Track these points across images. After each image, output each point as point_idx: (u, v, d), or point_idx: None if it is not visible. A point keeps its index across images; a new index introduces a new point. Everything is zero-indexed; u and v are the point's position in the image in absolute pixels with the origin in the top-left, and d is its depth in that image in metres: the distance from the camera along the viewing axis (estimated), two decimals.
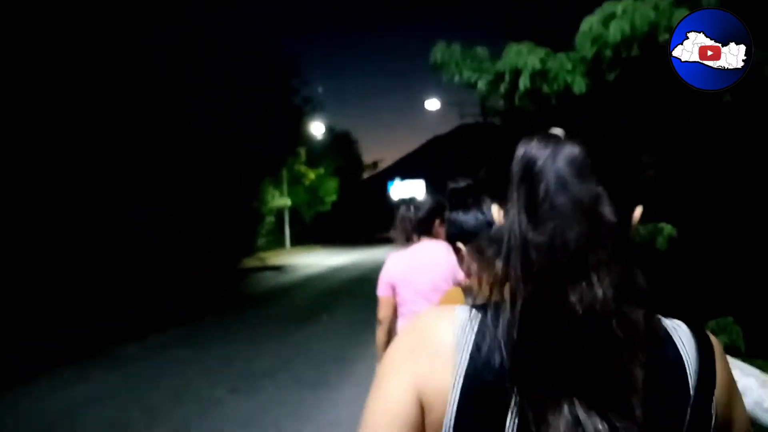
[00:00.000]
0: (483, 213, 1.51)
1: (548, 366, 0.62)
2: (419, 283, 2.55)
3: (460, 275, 1.65)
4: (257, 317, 9.44)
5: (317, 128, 32.76)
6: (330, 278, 15.59)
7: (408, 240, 2.77)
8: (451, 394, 0.66)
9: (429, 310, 0.77)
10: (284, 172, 28.57)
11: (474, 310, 0.72)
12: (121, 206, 14.25)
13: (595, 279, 0.63)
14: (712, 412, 0.68)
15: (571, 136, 0.70)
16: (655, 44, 3.71)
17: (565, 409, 0.61)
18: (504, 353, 0.65)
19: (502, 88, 4.27)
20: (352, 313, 9.30)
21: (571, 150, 0.68)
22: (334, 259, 22.51)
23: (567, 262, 0.63)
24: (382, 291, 2.71)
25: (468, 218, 1.53)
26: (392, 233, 2.88)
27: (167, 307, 10.28)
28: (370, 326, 7.94)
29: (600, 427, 0.60)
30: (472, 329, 0.69)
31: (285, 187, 29.62)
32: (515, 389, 0.63)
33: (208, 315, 9.63)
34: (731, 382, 0.74)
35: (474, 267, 1.47)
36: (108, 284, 11.92)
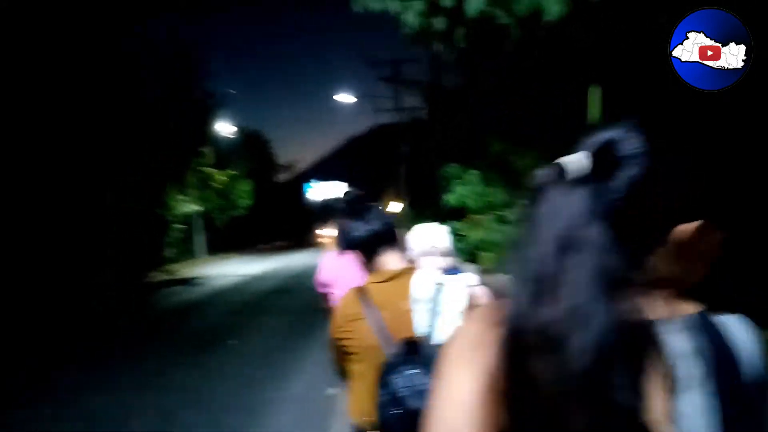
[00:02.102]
0: (367, 222, 1.75)
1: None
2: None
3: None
4: (147, 346, 7.88)
5: (225, 128, 30.71)
6: (244, 290, 14.07)
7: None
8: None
9: (488, 303, 0.88)
10: (190, 176, 26.38)
11: None
12: None
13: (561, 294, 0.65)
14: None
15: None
16: None
17: None
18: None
19: (438, 23, 3.21)
20: (265, 336, 7.98)
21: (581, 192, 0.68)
22: (251, 268, 20.89)
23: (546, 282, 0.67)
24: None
25: (355, 227, 1.76)
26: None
27: (54, 333, 8.46)
28: (287, 353, 6.64)
29: None
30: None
31: (193, 191, 27.41)
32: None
33: (96, 343, 7.94)
34: None
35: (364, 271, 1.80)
36: None
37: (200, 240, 28.53)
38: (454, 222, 4.91)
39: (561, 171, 0.69)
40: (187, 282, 17.19)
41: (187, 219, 27.52)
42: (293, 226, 43.36)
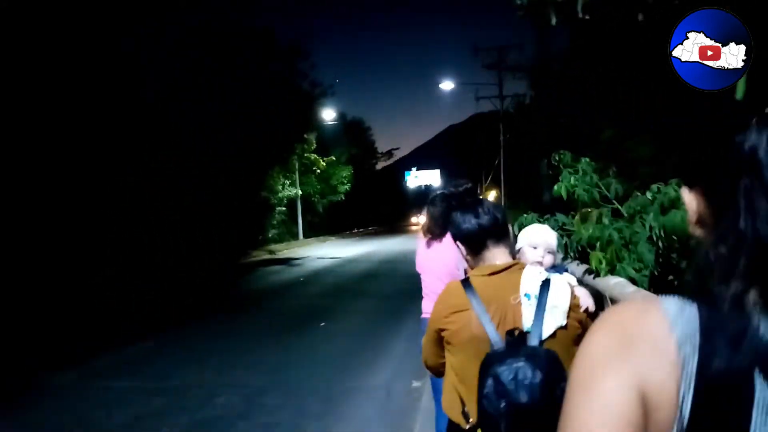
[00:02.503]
0: (478, 216, 1.74)
1: None
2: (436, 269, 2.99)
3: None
4: (240, 324, 8.16)
5: (328, 114, 31.48)
6: (339, 272, 14.33)
7: (430, 233, 3.02)
8: (682, 391, 0.60)
9: (627, 303, 0.73)
10: (294, 161, 27.36)
11: (684, 304, 0.65)
12: (119, 202, 13.16)
13: None
14: None
15: None
16: None
17: None
18: (745, 351, 0.58)
19: None
20: (354, 320, 7.96)
21: None
22: (346, 251, 21.29)
23: None
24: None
25: (465, 219, 1.76)
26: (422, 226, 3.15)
27: (151, 311, 9.07)
28: (376, 338, 6.50)
29: None
30: (691, 323, 0.62)
31: (296, 176, 28.45)
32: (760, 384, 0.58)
33: (190, 320, 8.37)
34: None
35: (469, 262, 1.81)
36: (90, 286, 10.77)
37: (300, 222, 29.60)
38: (561, 216, 4.45)
39: None
40: (286, 262, 17.86)
41: (291, 202, 28.73)
42: (389, 211, 43.72)
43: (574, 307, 1.61)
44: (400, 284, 11.04)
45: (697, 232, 0.71)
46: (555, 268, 2.04)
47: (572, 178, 4.02)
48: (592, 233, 3.27)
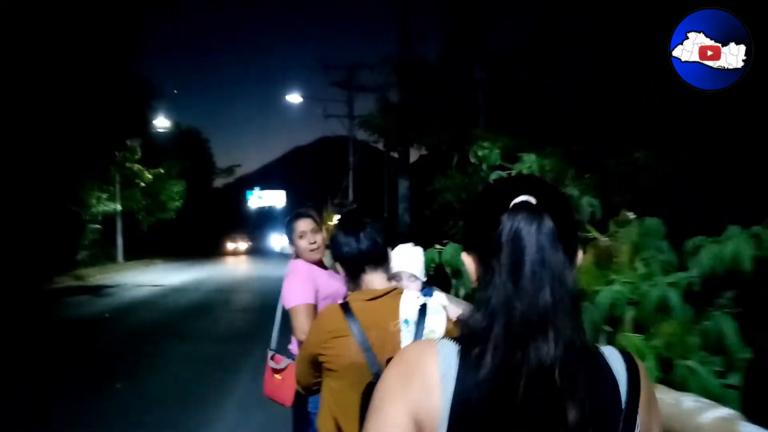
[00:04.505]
0: (359, 240, 1.76)
1: (509, 405, 0.79)
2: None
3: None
4: (19, 369, 5.87)
5: (160, 121, 28.18)
6: (160, 305, 12.01)
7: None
8: (440, 417, 0.81)
9: (414, 345, 0.97)
10: (114, 171, 23.73)
11: (454, 347, 0.85)
12: None
13: (551, 336, 0.79)
14: (638, 421, 0.85)
15: (540, 201, 0.84)
16: None
17: None
18: (482, 389, 0.80)
19: None
20: (168, 374, 6.13)
21: (548, 223, 0.81)
22: (172, 277, 18.64)
23: (536, 323, 0.79)
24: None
25: (347, 242, 1.77)
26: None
27: None
28: (200, 404, 4.77)
29: None
30: (455, 364, 0.83)
31: (117, 189, 24.69)
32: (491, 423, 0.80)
33: None
34: (653, 400, 0.91)
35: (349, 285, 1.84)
36: None
37: (120, 243, 25.74)
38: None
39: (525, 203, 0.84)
40: (95, 291, 14.86)
41: (109, 219, 24.78)
42: (228, 232, 40.78)
43: (450, 331, 1.61)
44: (238, 321, 9.38)
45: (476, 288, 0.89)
46: (427, 290, 2.15)
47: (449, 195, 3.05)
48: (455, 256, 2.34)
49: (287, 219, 2.70)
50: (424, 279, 2.24)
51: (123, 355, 6.96)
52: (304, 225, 2.57)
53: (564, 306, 0.79)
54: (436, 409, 0.80)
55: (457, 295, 3.42)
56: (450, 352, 0.84)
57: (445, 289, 3.16)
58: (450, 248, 2.89)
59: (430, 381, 0.82)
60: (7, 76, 13.96)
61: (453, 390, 0.80)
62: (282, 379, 2.49)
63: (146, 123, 24.51)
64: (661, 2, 5.10)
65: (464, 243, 0.93)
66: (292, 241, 2.64)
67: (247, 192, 56.66)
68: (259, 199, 56.16)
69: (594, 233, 2.71)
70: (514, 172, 2.86)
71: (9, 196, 15.34)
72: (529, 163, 2.88)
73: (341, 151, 26.02)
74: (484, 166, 2.75)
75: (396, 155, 16.25)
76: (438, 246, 3.15)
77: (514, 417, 0.78)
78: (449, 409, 0.79)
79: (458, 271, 2.66)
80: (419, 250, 2.27)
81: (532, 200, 0.83)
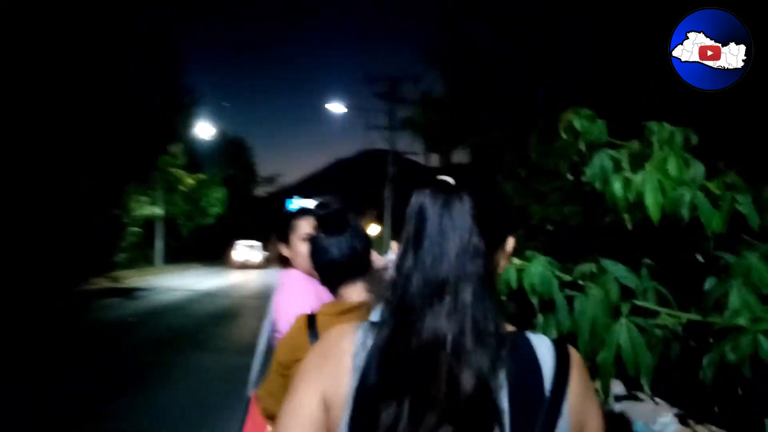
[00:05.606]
0: (339, 248, 1.52)
1: (402, 379, 0.75)
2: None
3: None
4: (26, 378, 5.47)
5: (204, 129, 28.50)
6: (187, 310, 11.68)
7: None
8: (346, 397, 0.78)
9: (336, 327, 0.89)
10: (157, 176, 23.99)
11: (372, 329, 0.82)
12: None
13: (445, 311, 0.76)
14: (563, 412, 0.77)
15: (459, 180, 0.84)
16: None
17: (405, 410, 0.74)
18: (375, 365, 0.78)
19: None
20: (179, 392, 5.65)
21: (460, 203, 0.80)
22: (207, 282, 18.50)
23: (429, 295, 0.77)
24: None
25: (325, 248, 1.53)
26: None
27: None
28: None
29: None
30: (366, 344, 0.81)
31: (158, 193, 24.95)
32: (382, 397, 0.76)
33: None
34: (587, 392, 0.82)
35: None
36: None
37: (160, 247, 25.95)
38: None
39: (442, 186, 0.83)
40: (128, 293, 14.74)
41: (148, 223, 25.07)
42: (267, 239, 40.88)
43: None
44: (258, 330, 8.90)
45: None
46: None
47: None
48: None
49: (282, 215, 2.12)
50: None
51: (138, 363, 6.52)
52: (308, 225, 1.96)
53: (468, 284, 0.77)
54: (344, 389, 0.79)
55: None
56: (367, 331, 0.83)
57: (528, 326, 1.67)
58: (537, 265, 1.45)
59: (343, 362, 0.81)
60: (55, 81, 14.14)
61: (360, 370, 0.79)
62: None
63: (189, 130, 24.77)
64: (661, 2, 5.07)
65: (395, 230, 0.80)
66: (287, 244, 2.06)
67: (287, 200, 57.06)
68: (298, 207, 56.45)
69: None
70: (626, 153, 1.88)
71: (54, 198, 15.52)
72: (660, 132, 1.87)
73: (381, 164, 25.69)
74: (581, 144, 1.88)
75: (437, 161, 15.65)
76: (516, 260, 1.72)
77: (402, 391, 0.75)
78: (354, 390, 0.78)
79: (549, 303, 1.41)
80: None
81: (450, 180, 0.84)
